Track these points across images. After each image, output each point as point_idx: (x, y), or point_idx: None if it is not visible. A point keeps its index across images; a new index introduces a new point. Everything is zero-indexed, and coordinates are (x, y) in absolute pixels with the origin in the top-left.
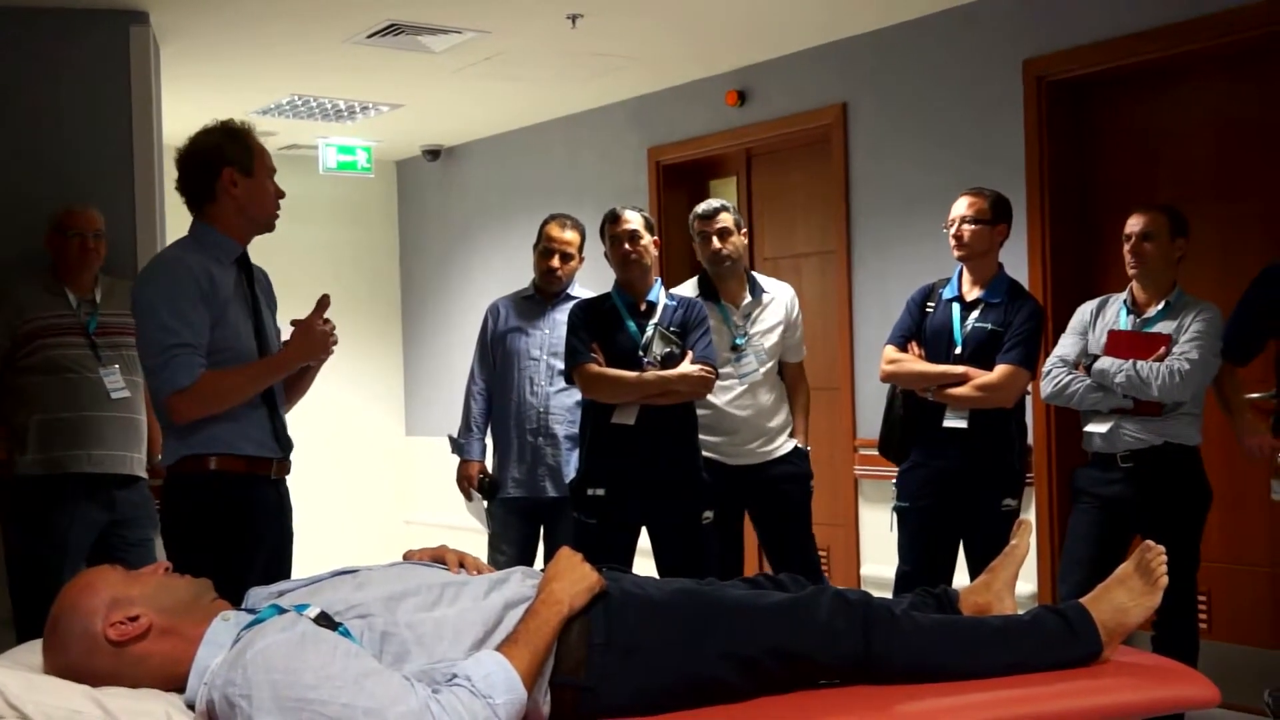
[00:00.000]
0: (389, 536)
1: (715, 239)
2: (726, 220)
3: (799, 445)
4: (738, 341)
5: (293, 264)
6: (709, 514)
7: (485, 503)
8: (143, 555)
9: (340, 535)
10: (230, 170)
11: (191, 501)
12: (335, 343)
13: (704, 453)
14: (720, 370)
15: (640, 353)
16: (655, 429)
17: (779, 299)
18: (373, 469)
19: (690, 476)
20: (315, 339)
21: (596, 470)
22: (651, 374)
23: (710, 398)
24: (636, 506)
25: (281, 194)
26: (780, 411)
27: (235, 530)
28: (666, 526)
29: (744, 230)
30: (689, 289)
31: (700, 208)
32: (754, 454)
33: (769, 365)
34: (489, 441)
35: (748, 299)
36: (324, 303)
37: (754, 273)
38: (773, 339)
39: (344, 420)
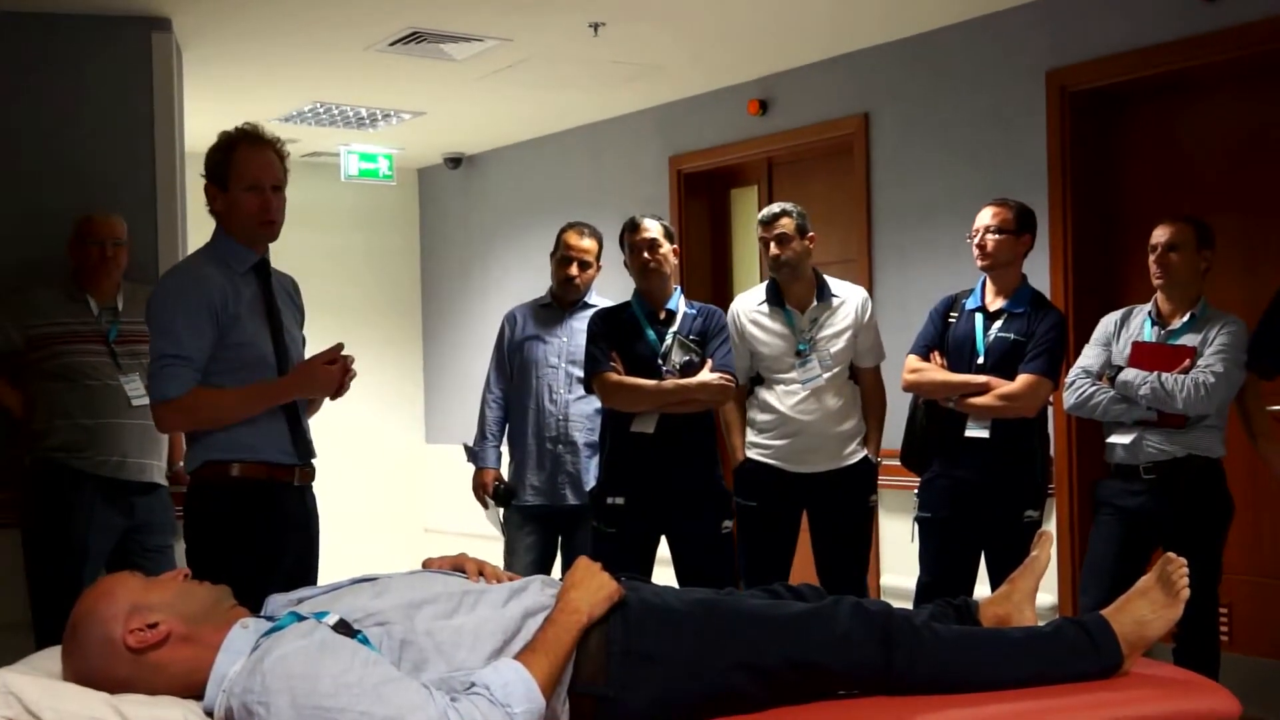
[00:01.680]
0: (408, 544)
1: (774, 244)
2: (787, 226)
3: (869, 457)
4: (800, 347)
5: (314, 270)
6: (728, 524)
7: (501, 510)
8: (161, 562)
9: (360, 543)
10: (210, 186)
11: (214, 507)
12: (351, 378)
13: (762, 459)
14: (784, 375)
15: (659, 361)
16: (675, 437)
17: (849, 302)
18: (392, 476)
19: (710, 485)
20: (317, 377)
21: (616, 479)
22: (670, 382)
23: (773, 402)
24: (656, 515)
25: (267, 202)
26: (850, 417)
27: (257, 536)
28: (686, 536)
29: (810, 236)
30: (758, 294)
31: (762, 212)
32: (818, 461)
33: (835, 370)
34: (504, 450)
35: (814, 303)
36: (337, 348)
37: (825, 276)
38: (840, 344)
39: (364, 427)
